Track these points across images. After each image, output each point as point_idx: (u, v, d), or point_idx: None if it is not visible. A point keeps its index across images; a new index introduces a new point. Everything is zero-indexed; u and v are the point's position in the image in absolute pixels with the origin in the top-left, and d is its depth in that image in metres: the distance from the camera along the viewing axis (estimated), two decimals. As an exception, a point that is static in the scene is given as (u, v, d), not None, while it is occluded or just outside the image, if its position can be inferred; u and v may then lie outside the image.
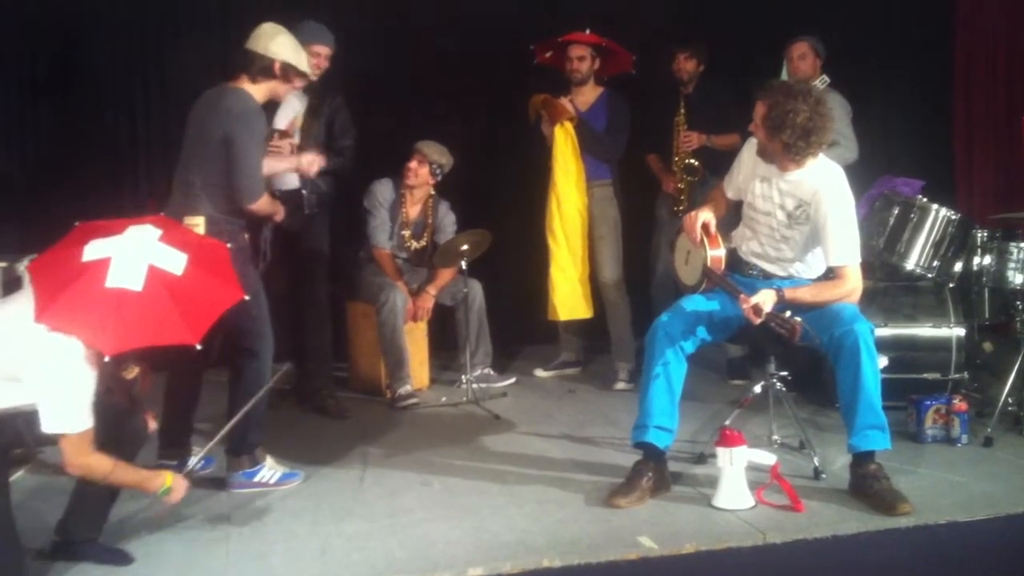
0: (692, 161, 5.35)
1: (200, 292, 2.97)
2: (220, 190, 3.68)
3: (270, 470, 3.81)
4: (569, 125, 5.19)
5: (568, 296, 5.25)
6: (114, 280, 2.80)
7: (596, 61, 5.30)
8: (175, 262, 2.93)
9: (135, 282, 2.82)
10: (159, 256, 2.91)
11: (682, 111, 5.36)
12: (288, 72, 3.77)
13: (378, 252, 5.30)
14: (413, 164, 5.25)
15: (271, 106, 4.67)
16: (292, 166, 4.37)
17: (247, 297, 3.19)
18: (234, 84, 3.75)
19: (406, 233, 5.38)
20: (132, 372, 3.20)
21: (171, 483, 3.04)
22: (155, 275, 2.86)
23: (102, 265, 2.82)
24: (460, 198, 5.53)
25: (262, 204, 3.77)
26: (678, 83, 5.44)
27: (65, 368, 2.74)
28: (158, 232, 2.98)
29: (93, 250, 2.86)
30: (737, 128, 4.10)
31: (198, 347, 2.87)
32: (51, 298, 2.76)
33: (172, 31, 5.72)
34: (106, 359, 2.78)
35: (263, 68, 3.72)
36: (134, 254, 2.87)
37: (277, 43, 3.74)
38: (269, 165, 4.23)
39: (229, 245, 3.63)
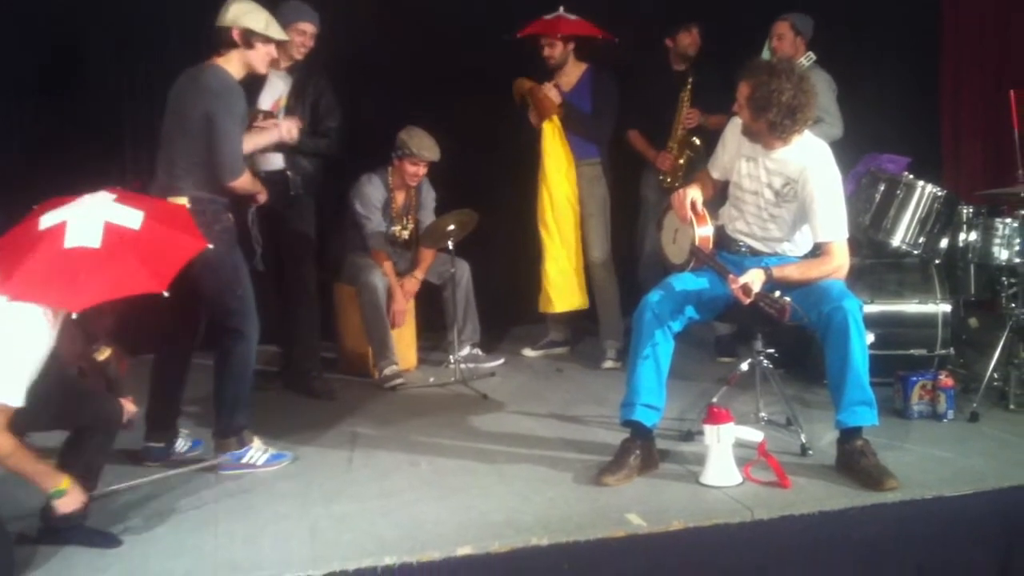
0: (694, 139, 5.32)
1: (161, 243, 3.02)
2: (202, 169, 3.66)
3: (258, 451, 3.80)
4: (557, 119, 5.17)
5: (563, 287, 5.27)
6: (72, 240, 2.85)
7: (569, 44, 5.25)
8: (131, 218, 2.99)
9: (93, 239, 2.87)
10: (114, 214, 2.97)
11: (689, 87, 5.31)
12: (249, 38, 3.72)
13: (377, 254, 5.25)
14: (421, 171, 5.19)
15: (256, 85, 4.67)
16: (275, 138, 4.34)
17: (211, 246, 3.23)
18: (210, 63, 3.73)
19: (397, 228, 5.35)
20: (104, 353, 3.20)
21: (67, 487, 2.94)
22: (112, 231, 2.91)
23: (59, 229, 2.87)
24: (447, 179, 5.50)
25: (243, 182, 3.76)
26: (674, 60, 5.40)
27: (17, 335, 2.75)
28: (112, 196, 3.05)
29: (48, 219, 2.92)
30: (728, 109, 4.08)
31: (165, 294, 2.90)
32: (11, 269, 2.80)
33: (161, 17, 5.65)
34: (73, 316, 2.82)
35: (225, 40, 3.70)
36: (89, 214, 2.93)
37: (233, 12, 3.72)
38: (253, 141, 4.20)
39: (215, 227, 3.62)
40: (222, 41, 3.71)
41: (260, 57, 3.79)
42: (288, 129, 4.30)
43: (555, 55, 5.23)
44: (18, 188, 5.34)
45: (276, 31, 3.82)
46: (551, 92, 5.22)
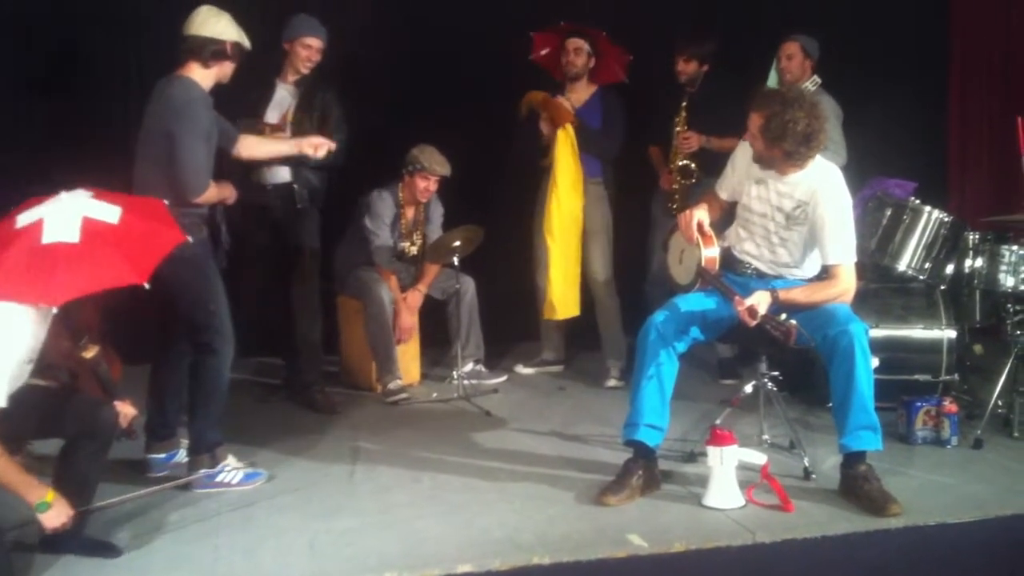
0: (689, 163, 5.29)
1: (139, 236, 3.00)
2: (172, 183, 3.60)
3: (232, 471, 3.73)
4: (570, 128, 5.18)
5: (563, 295, 5.26)
6: (50, 236, 2.84)
7: (592, 59, 5.28)
8: (109, 213, 2.97)
9: (71, 235, 2.85)
10: (92, 209, 2.95)
11: (683, 112, 5.28)
12: (237, 51, 3.73)
13: (384, 271, 5.24)
14: (432, 186, 5.18)
15: (263, 98, 4.67)
16: (294, 149, 4.33)
17: (189, 239, 3.21)
18: (179, 73, 3.69)
19: (406, 244, 5.35)
20: (91, 351, 3.16)
21: (51, 500, 2.86)
22: (90, 225, 2.89)
23: (36, 226, 2.86)
24: (453, 195, 5.49)
25: (208, 196, 3.69)
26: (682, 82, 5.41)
27: None
28: (89, 193, 3.03)
29: (25, 217, 2.91)
30: (737, 130, 4.05)
31: (146, 286, 2.87)
32: None
33: (167, 19, 5.65)
34: (54, 310, 2.80)
35: (212, 51, 3.67)
36: (66, 210, 2.91)
37: (222, 23, 3.70)
38: (272, 148, 4.19)
39: (188, 239, 3.58)
40: (200, 51, 3.66)
41: (232, 69, 3.78)
42: (315, 145, 4.29)
43: (578, 63, 5.25)
44: (26, 186, 5.36)
45: (246, 40, 3.80)
46: (566, 104, 5.24)
